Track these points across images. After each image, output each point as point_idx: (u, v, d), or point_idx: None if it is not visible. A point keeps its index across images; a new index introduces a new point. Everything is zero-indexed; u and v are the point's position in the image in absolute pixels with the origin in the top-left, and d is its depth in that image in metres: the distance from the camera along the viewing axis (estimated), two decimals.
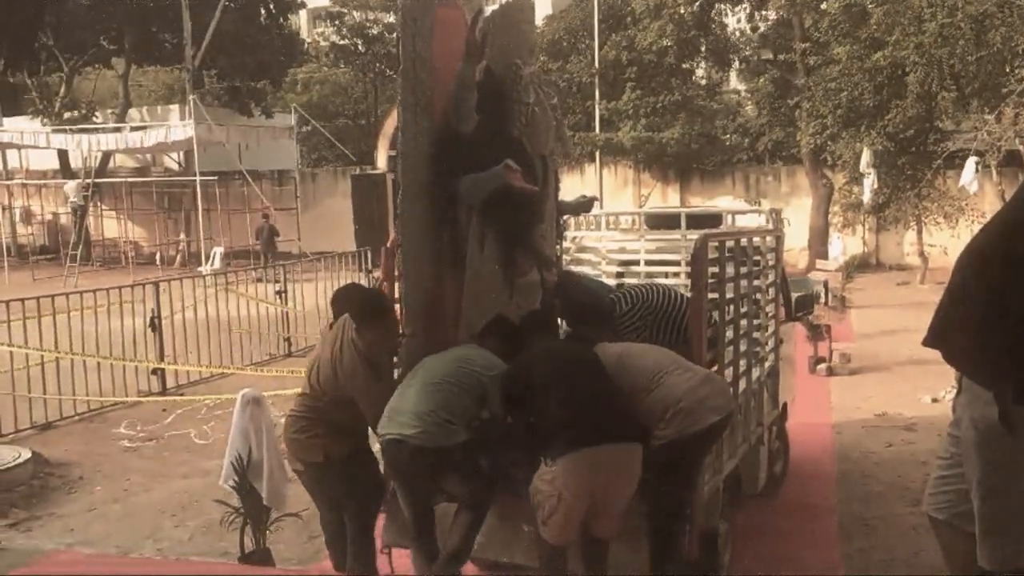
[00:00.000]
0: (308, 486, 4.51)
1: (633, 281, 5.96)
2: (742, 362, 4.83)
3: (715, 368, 4.42)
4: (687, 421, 3.85)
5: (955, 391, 3.00)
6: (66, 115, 24.83)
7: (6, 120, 24.22)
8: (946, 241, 16.82)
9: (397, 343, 4.35)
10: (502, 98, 4.68)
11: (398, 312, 4.39)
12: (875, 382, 9.71)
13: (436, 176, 4.42)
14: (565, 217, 5.74)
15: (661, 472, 3.85)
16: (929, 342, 2.80)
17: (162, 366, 9.73)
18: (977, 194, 16.36)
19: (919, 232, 18.26)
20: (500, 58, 4.71)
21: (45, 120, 24.57)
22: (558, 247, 5.60)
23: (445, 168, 4.44)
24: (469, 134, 4.49)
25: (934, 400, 8.53)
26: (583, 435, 3.72)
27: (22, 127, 24.32)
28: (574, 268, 6.00)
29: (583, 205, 5.77)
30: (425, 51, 4.33)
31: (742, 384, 4.84)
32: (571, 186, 17.58)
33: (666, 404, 3.88)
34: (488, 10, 4.90)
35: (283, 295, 12.28)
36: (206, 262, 20.36)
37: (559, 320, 4.97)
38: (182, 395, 9.60)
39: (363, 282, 11.22)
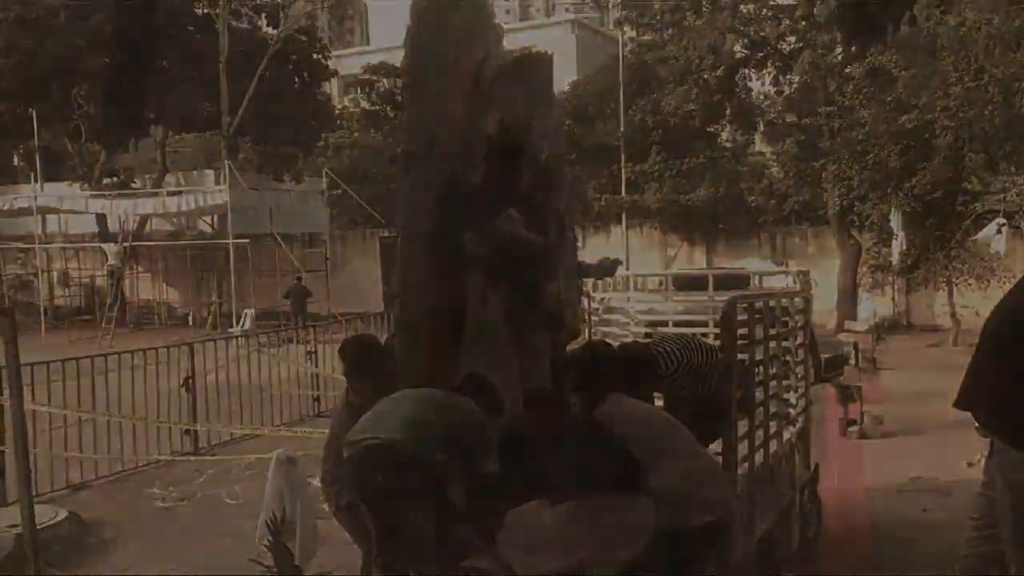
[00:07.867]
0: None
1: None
2: (772, 423, 4.83)
3: (746, 430, 4.42)
4: (671, 512, 3.45)
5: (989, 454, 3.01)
6: (105, 181, 25.51)
7: (46, 185, 24.95)
8: (978, 302, 16.55)
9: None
10: (513, 150, 4.43)
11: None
12: (908, 445, 9.55)
13: (437, 226, 4.18)
14: (590, 280, 5.77)
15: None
16: (960, 404, 2.84)
17: (195, 427, 9.85)
18: (1008, 255, 16.23)
19: (950, 293, 18.08)
20: (512, 109, 4.46)
21: (85, 185, 25.26)
22: (581, 309, 5.42)
23: (447, 218, 4.18)
24: (475, 185, 4.24)
25: (969, 464, 8.37)
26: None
27: (62, 192, 25.04)
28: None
29: (606, 268, 5.71)
30: (433, 98, 4.23)
31: (773, 445, 4.84)
32: (597, 248, 17.77)
33: (655, 487, 3.48)
34: (500, 59, 4.63)
35: (314, 356, 12.41)
36: (237, 323, 20.64)
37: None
38: (214, 455, 9.65)
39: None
